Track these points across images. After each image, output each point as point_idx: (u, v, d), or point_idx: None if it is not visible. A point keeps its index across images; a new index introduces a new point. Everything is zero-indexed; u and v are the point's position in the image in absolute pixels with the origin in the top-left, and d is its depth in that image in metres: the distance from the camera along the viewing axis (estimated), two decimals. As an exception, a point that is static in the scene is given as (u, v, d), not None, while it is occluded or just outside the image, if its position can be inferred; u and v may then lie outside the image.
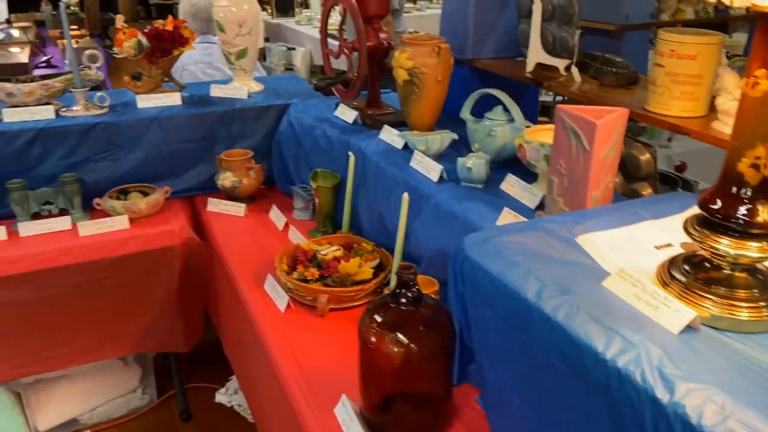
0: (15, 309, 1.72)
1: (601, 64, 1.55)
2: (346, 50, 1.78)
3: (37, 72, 3.47)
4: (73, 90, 1.91)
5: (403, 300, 1.04)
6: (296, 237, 1.75)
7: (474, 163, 1.35)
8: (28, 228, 1.78)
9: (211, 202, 1.97)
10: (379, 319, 1.05)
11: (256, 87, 2.15)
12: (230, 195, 1.98)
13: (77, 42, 3.91)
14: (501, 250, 0.92)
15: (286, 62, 4.68)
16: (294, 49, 4.79)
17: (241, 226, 1.88)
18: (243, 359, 1.69)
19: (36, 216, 1.84)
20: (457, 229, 1.25)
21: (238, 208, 1.95)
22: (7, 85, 1.84)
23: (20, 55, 3.61)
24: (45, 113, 1.86)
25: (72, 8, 4.63)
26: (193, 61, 2.76)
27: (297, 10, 5.51)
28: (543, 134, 1.31)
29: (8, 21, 4.27)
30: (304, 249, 1.57)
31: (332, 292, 1.42)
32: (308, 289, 1.43)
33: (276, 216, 1.90)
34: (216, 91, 2.09)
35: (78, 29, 4.35)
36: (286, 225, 1.85)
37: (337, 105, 1.93)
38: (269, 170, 2.08)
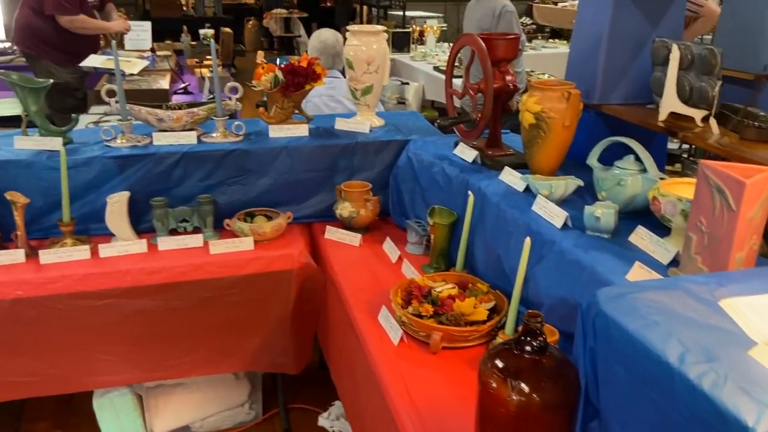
0: (148, 317, 1.86)
1: (743, 117, 1.47)
2: (471, 91, 1.82)
3: (175, 97, 3.79)
4: (214, 118, 2.07)
5: (528, 348, 1.03)
6: (409, 271, 1.78)
7: (603, 213, 1.32)
8: (165, 243, 1.93)
9: (329, 230, 2.05)
10: (500, 364, 1.04)
11: (378, 122, 2.23)
12: (347, 224, 2.05)
13: (211, 71, 4.23)
14: (638, 308, 0.89)
15: (398, 96, 4.81)
16: (407, 83, 4.91)
17: (355, 256, 1.94)
18: (352, 387, 1.73)
19: (173, 232, 2.00)
20: (583, 280, 1.23)
21: (354, 238, 2.01)
22: (159, 112, 2.03)
23: (162, 81, 3.96)
24: (189, 138, 2.03)
25: (208, 40, 5.03)
26: (318, 94, 2.90)
27: (412, 46, 5.66)
28: (680, 188, 1.26)
29: (152, 50, 4.70)
30: (418, 284, 1.59)
31: (446, 331, 1.43)
32: (422, 324, 1.45)
33: (389, 248, 1.95)
34: (340, 125, 2.18)
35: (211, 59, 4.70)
36: (400, 258, 1.89)
37: (456, 143, 1.97)
38: (385, 203, 2.14)
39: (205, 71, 4.22)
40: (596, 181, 1.49)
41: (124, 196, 1.91)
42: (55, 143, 1.94)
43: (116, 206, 1.90)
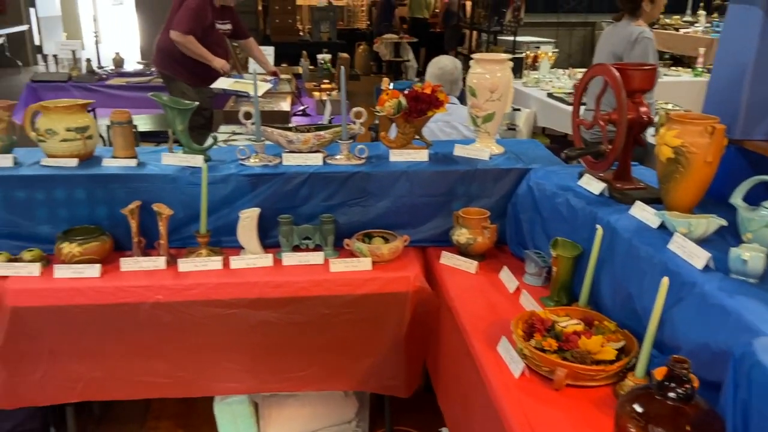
0: (270, 328, 1.95)
1: None
2: (601, 122, 1.77)
3: (294, 119, 3.98)
4: (339, 141, 2.16)
5: (672, 394, 0.98)
6: (528, 302, 1.75)
7: (751, 256, 1.24)
8: (289, 258, 2.02)
9: (444, 255, 2.06)
10: (640, 409, 1.00)
11: (498, 149, 2.23)
12: (463, 251, 2.05)
13: (328, 94, 4.41)
14: (806, 363, 0.83)
15: (509, 122, 4.77)
16: (518, 109, 4.86)
17: (471, 283, 1.94)
18: (464, 415, 1.71)
19: (296, 248, 2.09)
20: (728, 326, 1.15)
21: (470, 265, 2.01)
22: (289, 134, 2.15)
23: (283, 103, 4.17)
24: (315, 160, 2.12)
25: (325, 65, 5.26)
26: (434, 120, 2.92)
27: (525, 72, 5.61)
28: None
29: (275, 73, 4.97)
30: (541, 317, 1.56)
31: (572, 368, 1.39)
32: (546, 359, 1.42)
33: (507, 278, 1.92)
34: (459, 151, 2.20)
35: (329, 83, 4.91)
36: (517, 288, 1.86)
37: (581, 174, 1.92)
38: (502, 231, 2.12)
39: (322, 94, 4.40)
40: (740, 222, 1.40)
41: (255, 212, 2.02)
42: (197, 160, 2.09)
43: (247, 221, 2.02)
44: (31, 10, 11.48)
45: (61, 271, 1.89)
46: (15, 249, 2.00)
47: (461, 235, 2.04)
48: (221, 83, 4.33)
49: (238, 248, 2.08)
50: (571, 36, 10.90)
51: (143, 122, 4.81)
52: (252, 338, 1.97)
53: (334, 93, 4.47)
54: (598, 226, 1.62)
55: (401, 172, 2.09)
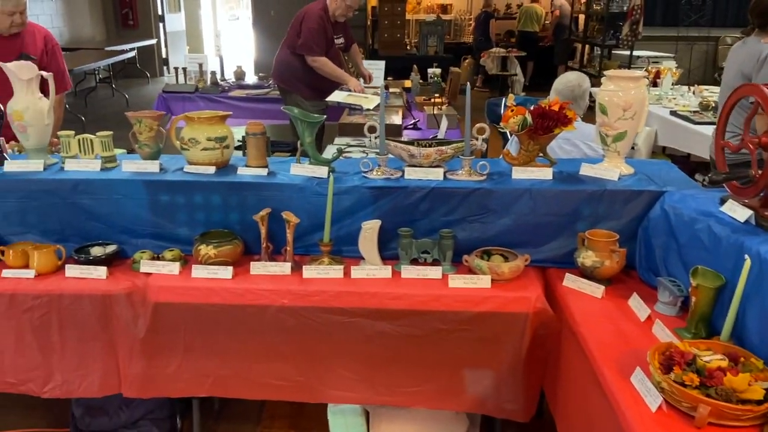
0: (387, 340, 1.97)
1: None
2: (750, 145, 1.66)
3: (405, 132, 4.03)
4: (461, 157, 2.16)
5: None
6: (662, 332, 1.66)
7: None
8: (407, 271, 2.04)
9: (568, 277, 2.00)
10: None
11: (627, 170, 2.14)
12: (588, 274, 1.98)
13: (439, 108, 4.43)
14: None
15: (626, 140, 4.57)
16: (637, 127, 4.65)
17: (598, 308, 1.86)
18: (589, 446, 1.65)
19: (414, 261, 2.11)
20: None
21: (596, 289, 1.93)
22: (411, 148, 2.17)
23: (395, 117, 4.24)
24: (436, 175, 2.13)
25: (436, 78, 5.30)
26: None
27: (643, 88, 5.36)
28: None
29: (386, 87, 5.07)
30: (680, 350, 1.47)
31: (716, 406, 1.30)
32: (688, 395, 1.33)
33: (637, 305, 1.84)
34: (586, 170, 2.13)
35: (439, 97, 4.94)
36: (649, 317, 1.77)
37: (722, 200, 1.80)
38: (630, 255, 2.02)
39: (433, 108, 4.43)
40: None
41: (376, 224, 2.06)
42: (323, 171, 2.17)
43: (369, 233, 2.06)
44: (160, 26, 12.46)
45: (197, 271, 2.02)
46: (157, 248, 2.16)
47: (587, 258, 1.97)
48: (336, 96, 4.48)
49: (358, 258, 2.13)
50: (692, 51, 10.30)
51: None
52: (368, 348, 2.00)
53: (445, 107, 4.49)
54: (747, 257, 1.51)
55: (524, 190, 2.06)
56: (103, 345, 2.06)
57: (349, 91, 4.61)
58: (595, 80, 9.38)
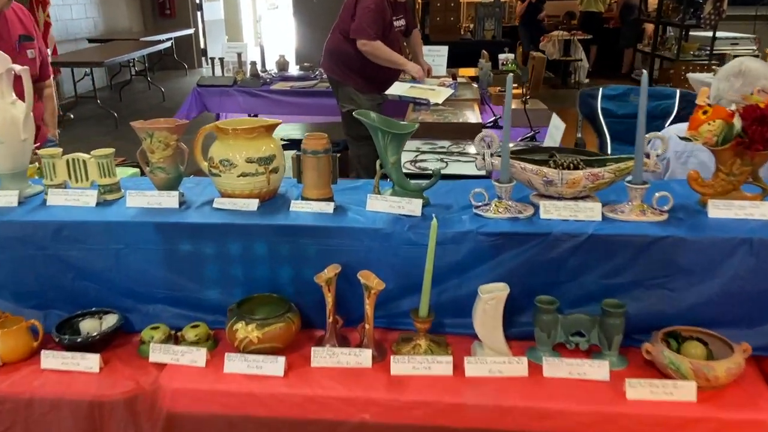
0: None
1: None
2: None
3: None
4: (628, 184, 1.42)
5: None
6: None
7: None
8: (553, 366, 1.32)
9: (820, 384, 1.25)
10: None
11: None
12: None
13: (523, 101, 3.66)
14: None
15: None
16: None
17: None
18: None
19: (559, 347, 1.39)
20: None
21: None
22: (548, 171, 1.44)
23: (470, 113, 3.50)
24: (591, 213, 1.40)
25: (510, 66, 4.52)
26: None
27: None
28: None
29: (454, 77, 4.32)
30: None
31: None
32: None
33: None
34: (829, 206, 1.37)
35: (518, 87, 4.17)
36: None
37: None
38: None
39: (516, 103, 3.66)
40: None
41: (502, 292, 1.34)
42: (416, 207, 1.46)
43: (491, 305, 1.34)
44: (198, 14, 11.92)
45: (233, 364, 1.34)
46: (176, 320, 1.49)
47: None
48: (396, 89, 3.76)
49: (468, 335, 1.42)
50: (776, 30, 9.18)
51: (302, 131, 4.42)
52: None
53: (533, 101, 3.71)
54: None
55: (739, 240, 1.31)
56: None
57: (412, 82, 3.88)
58: (671, 64, 8.42)
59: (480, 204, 1.48)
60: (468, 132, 3.19)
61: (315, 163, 1.50)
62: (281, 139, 5.03)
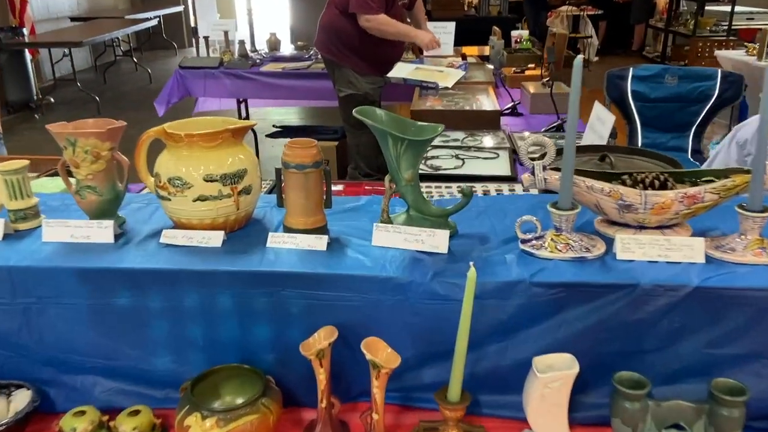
0: None
1: None
2: None
3: (504, 122, 2.85)
4: (744, 212, 1.01)
5: None
6: None
7: None
8: (642, 477, 0.92)
9: None
10: None
11: None
12: None
13: (545, 84, 3.22)
14: None
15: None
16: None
17: None
18: None
19: (645, 444, 0.99)
20: None
21: None
22: (626, 192, 1.03)
23: (484, 99, 3.07)
24: (691, 252, 0.99)
25: (525, 44, 4.08)
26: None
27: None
28: None
29: (463, 56, 3.88)
30: None
31: None
32: None
33: None
34: None
35: (534, 67, 3.73)
36: None
37: None
38: None
39: (531, 86, 3.23)
40: None
41: (568, 371, 0.94)
42: (440, 241, 1.05)
43: (553, 388, 0.94)
44: (188, -9, 11.35)
45: (184, 475, 0.94)
46: (111, 395, 1.09)
47: None
48: (399, 71, 3.32)
49: (513, 419, 1.03)
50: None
51: (296, 117, 3.98)
52: None
53: (558, 85, 3.26)
54: None
55: None
56: None
57: (417, 62, 3.45)
58: (686, 40, 7.95)
59: (530, 237, 1.07)
60: (485, 121, 2.77)
61: (301, 181, 1.08)
62: (273, 126, 4.60)
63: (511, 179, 1.98)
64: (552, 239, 1.05)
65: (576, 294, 0.98)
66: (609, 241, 1.06)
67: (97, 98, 6.77)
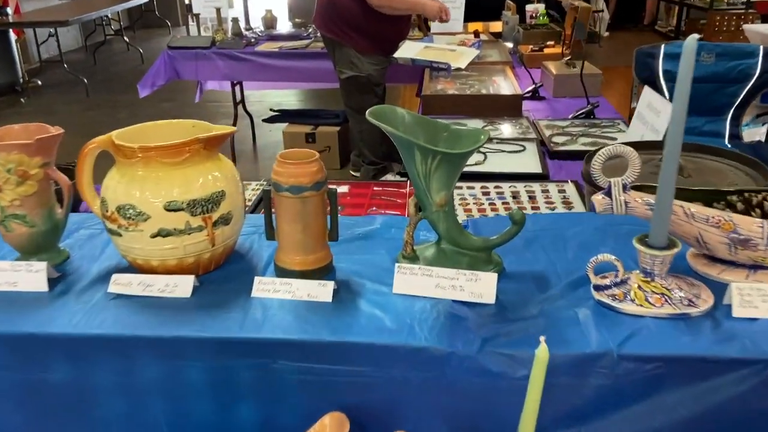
0: None
1: None
2: None
3: (528, 110, 2.55)
4: None
5: None
6: None
7: None
8: None
9: None
10: None
11: None
12: None
13: (569, 65, 2.92)
14: None
15: None
16: None
17: None
18: None
19: None
20: None
21: None
22: (744, 221, 0.75)
23: (503, 81, 2.77)
24: (838, 312, 0.71)
25: (542, 19, 3.76)
26: None
27: None
28: None
29: (476, 34, 3.56)
30: None
31: None
32: None
33: None
34: None
35: (553, 45, 3.42)
36: None
37: None
38: None
39: (552, 66, 2.92)
40: None
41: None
42: (485, 288, 0.77)
43: None
44: (182, -33, 10.94)
45: None
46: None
47: None
48: (407, 51, 3.03)
49: None
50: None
51: (295, 100, 3.68)
52: None
53: (574, 63, 2.96)
54: None
55: None
56: None
57: (427, 41, 3.14)
58: (702, 14, 7.58)
59: (608, 283, 0.79)
60: (504, 107, 2.48)
61: (297, 208, 0.80)
62: (270, 110, 4.31)
63: (543, 177, 1.70)
64: (639, 287, 0.77)
65: (679, 370, 0.70)
66: (713, 286, 0.78)
67: (85, 80, 6.44)
